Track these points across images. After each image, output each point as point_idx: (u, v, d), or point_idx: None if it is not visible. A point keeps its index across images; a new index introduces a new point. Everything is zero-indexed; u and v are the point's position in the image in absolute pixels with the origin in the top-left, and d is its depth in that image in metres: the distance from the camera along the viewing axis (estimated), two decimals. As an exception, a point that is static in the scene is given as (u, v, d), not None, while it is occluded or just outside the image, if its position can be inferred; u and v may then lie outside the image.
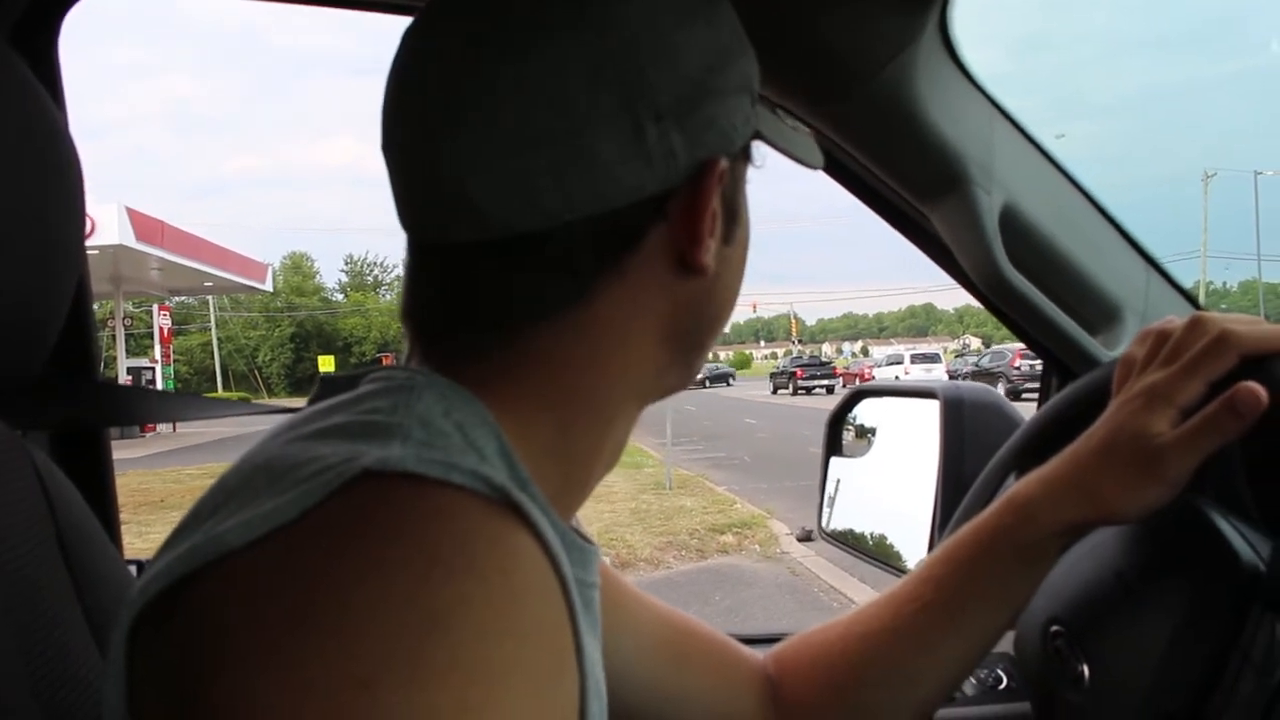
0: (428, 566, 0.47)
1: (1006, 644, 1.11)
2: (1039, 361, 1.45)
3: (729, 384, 74.12)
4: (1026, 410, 1.35)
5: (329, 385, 0.69)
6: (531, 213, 0.62)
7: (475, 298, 0.66)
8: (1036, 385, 1.57)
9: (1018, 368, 34.00)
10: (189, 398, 1.19)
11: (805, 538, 9.94)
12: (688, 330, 0.72)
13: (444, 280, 0.67)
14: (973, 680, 1.32)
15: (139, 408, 1.11)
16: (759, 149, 0.75)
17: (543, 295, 0.65)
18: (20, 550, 0.83)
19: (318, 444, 0.55)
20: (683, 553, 9.97)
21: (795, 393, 50.33)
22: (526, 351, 0.66)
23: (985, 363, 41.72)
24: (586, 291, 0.65)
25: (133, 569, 1.15)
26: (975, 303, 1.39)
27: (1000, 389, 1.65)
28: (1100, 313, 1.29)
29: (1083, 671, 0.91)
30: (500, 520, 0.52)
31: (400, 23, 1.20)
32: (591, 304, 0.65)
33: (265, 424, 0.75)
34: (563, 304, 0.65)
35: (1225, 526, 0.82)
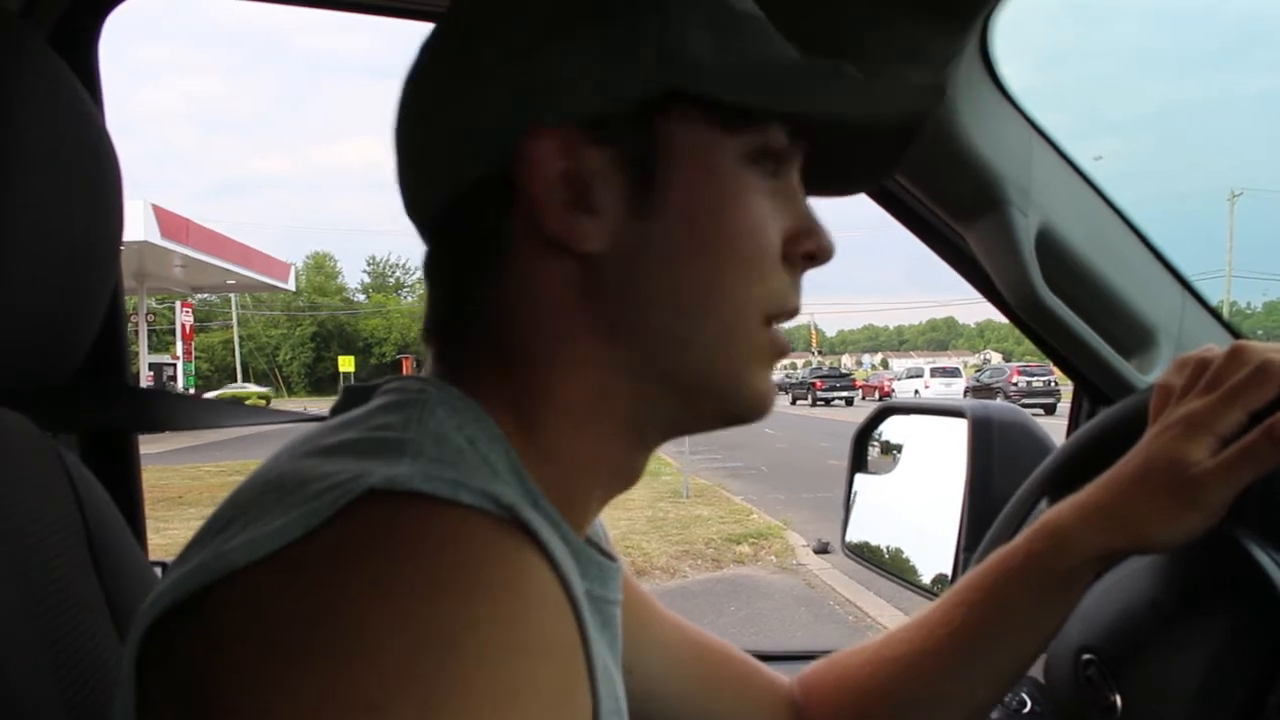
0: (435, 588, 0.46)
1: (1033, 668, 1.10)
2: (1035, 378, 1.45)
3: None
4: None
5: (352, 396, 0.68)
6: (432, 185, 0.67)
7: (435, 286, 0.70)
8: (1032, 401, 1.56)
9: (1015, 384, 34.67)
10: (219, 404, 1.19)
11: (822, 550, 9.92)
12: (635, 330, 0.66)
13: (443, 281, 0.70)
14: (998, 704, 1.31)
15: (170, 413, 1.11)
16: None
17: (465, 277, 0.67)
18: (52, 552, 0.84)
19: (327, 461, 0.55)
20: (698, 562, 9.95)
21: (814, 404, 50.22)
22: (487, 349, 0.67)
23: (985, 378, 43.26)
24: (491, 273, 0.66)
25: (158, 571, 1.15)
26: (997, 317, 1.38)
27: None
28: (1135, 337, 1.28)
29: (1115, 701, 0.90)
30: (509, 540, 0.51)
31: (419, 27, 1.21)
32: (524, 301, 0.65)
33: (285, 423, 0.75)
34: (506, 303, 0.66)
35: (1264, 558, 0.81)
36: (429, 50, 0.69)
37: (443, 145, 0.65)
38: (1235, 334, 1.29)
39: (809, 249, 0.70)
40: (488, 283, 0.66)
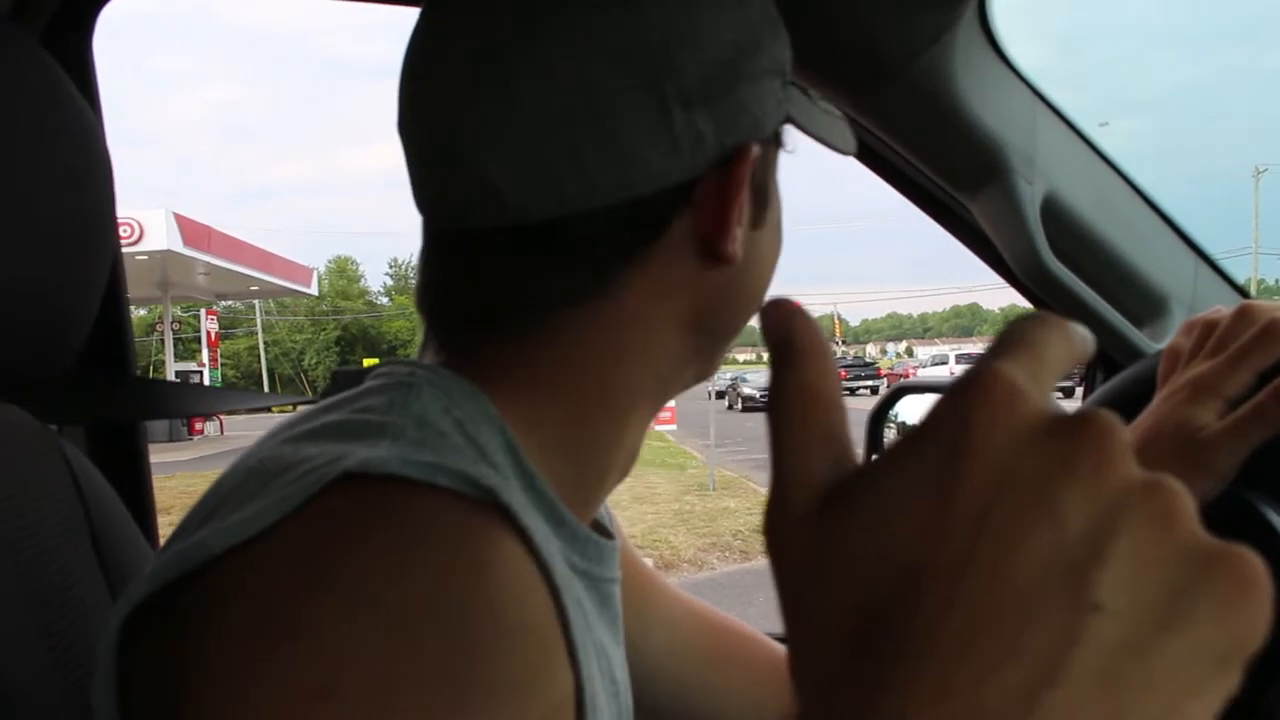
0: (397, 570, 0.46)
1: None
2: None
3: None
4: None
5: (341, 380, 0.68)
6: (551, 198, 0.60)
7: (491, 287, 0.64)
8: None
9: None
10: (219, 390, 1.20)
11: (849, 538, 9.92)
12: (715, 321, 0.69)
13: (459, 268, 0.65)
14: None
15: (171, 401, 1.12)
16: (790, 133, 0.72)
17: (561, 285, 0.63)
18: (53, 546, 0.84)
19: (309, 444, 0.55)
20: (726, 554, 9.94)
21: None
22: (542, 343, 0.64)
23: (995, 361, 43.14)
24: (608, 281, 0.63)
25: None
26: (1021, 301, 1.37)
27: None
28: (1146, 304, 1.27)
29: None
30: (481, 522, 0.51)
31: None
32: (613, 294, 0.63)
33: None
34: (583, 294, 0.63)
35: (1276, 519, 0.79)
36: None
37: (619, 149, 0.60)
38: (1247, 298, 1.27)
39: None
40: (600, 280, 0.64)
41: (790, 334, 0.40)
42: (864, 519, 0.32)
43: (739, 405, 39.00)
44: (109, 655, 0.50)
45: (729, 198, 0.63)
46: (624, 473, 0.73)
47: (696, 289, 0.66)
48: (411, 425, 0.56)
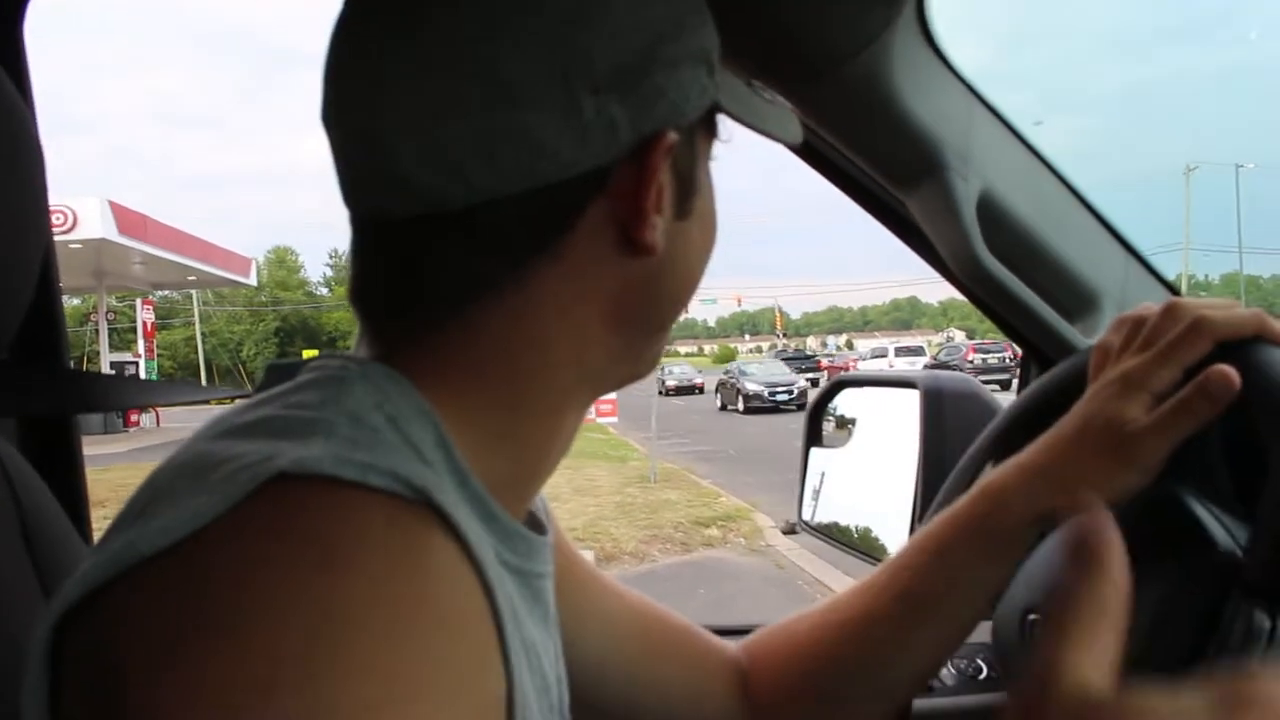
0: (330, 569, 0.46)
1: (987, 634, 1.10)
2: (990, 355, 1.45)
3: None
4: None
5: (275, 374, 0.67)
6: (460, 187, 0.60)
7: (411, 277, 0.63)
8: (989, 378, 1.57)
9: (971, 361, 35.08)
10: (155, 383, 1.18)
11: (790, 530, 9.96)
12: (639, 313, 0.69)
13: (382, 259, 0.65)
14: (952, 670, 1.32)
15: (106, 394, 1.10)
16: (728, 125, 0.72)
17: (477, 275, 0.62)
18: None
19: (241, 441, 0.54)
20: (667, 546, 9.97)
21: (780, 386, 50.29)
22: (466, 334, 0.64)
23: (942, 356, 44.09)
24: (521, 270, 0.63)
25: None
26: (960, 296, 1.38)
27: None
28: (1079, 301, 1.29)
29: None
30: (415, 522, 0.51)
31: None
32: (528, 284, 0.63)
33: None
34: (497, 284, 0.63)
35: (1203, 514, 0.81)
36: None
37: (525, 137, 0.60)
38: (1176, 294, 1.30)
39: None
40: (514, 270, 0.63)
41: (1099, 547, 0.49)
42: None
43: (739, 405, 33.73)
44: (40, 659, 0.50)
45: (644, 184, 0.63)
46: (559, 459, 0.73)
47: (617, 280, 0.66)
48: (344, 422, 0.56)
